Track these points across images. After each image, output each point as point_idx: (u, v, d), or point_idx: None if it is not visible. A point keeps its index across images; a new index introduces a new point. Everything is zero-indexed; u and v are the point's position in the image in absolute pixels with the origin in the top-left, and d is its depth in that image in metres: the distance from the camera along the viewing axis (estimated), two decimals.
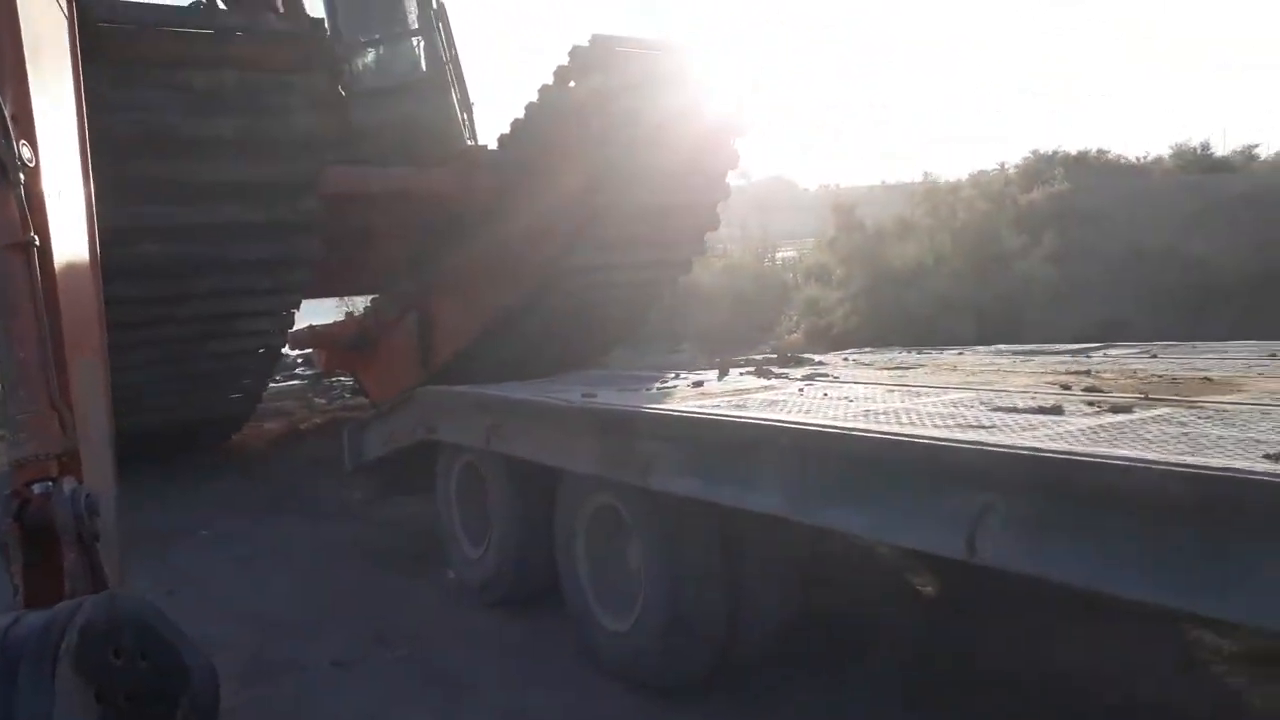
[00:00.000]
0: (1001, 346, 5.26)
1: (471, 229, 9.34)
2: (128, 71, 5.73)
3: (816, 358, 5.22)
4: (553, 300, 8.86)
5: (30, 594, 2.72)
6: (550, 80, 8.19)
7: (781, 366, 4.60)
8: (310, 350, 13.40)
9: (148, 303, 6.66)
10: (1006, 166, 13.68)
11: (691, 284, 17.14)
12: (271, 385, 14.50)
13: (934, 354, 4.97)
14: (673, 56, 8.00)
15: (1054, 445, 1.99)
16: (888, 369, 4.13)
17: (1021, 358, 4.34)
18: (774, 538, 2.81)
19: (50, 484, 2.79)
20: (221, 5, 7.53)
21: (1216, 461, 1.81)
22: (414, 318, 10.62)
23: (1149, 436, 2.06)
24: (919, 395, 2.94)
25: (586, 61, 7.68)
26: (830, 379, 3.78)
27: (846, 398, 2.97)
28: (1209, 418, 2.28)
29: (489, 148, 9.41)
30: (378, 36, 8.99)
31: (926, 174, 13.03)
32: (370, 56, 9.04)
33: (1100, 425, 2.21)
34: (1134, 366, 3.65)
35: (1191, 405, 2.50)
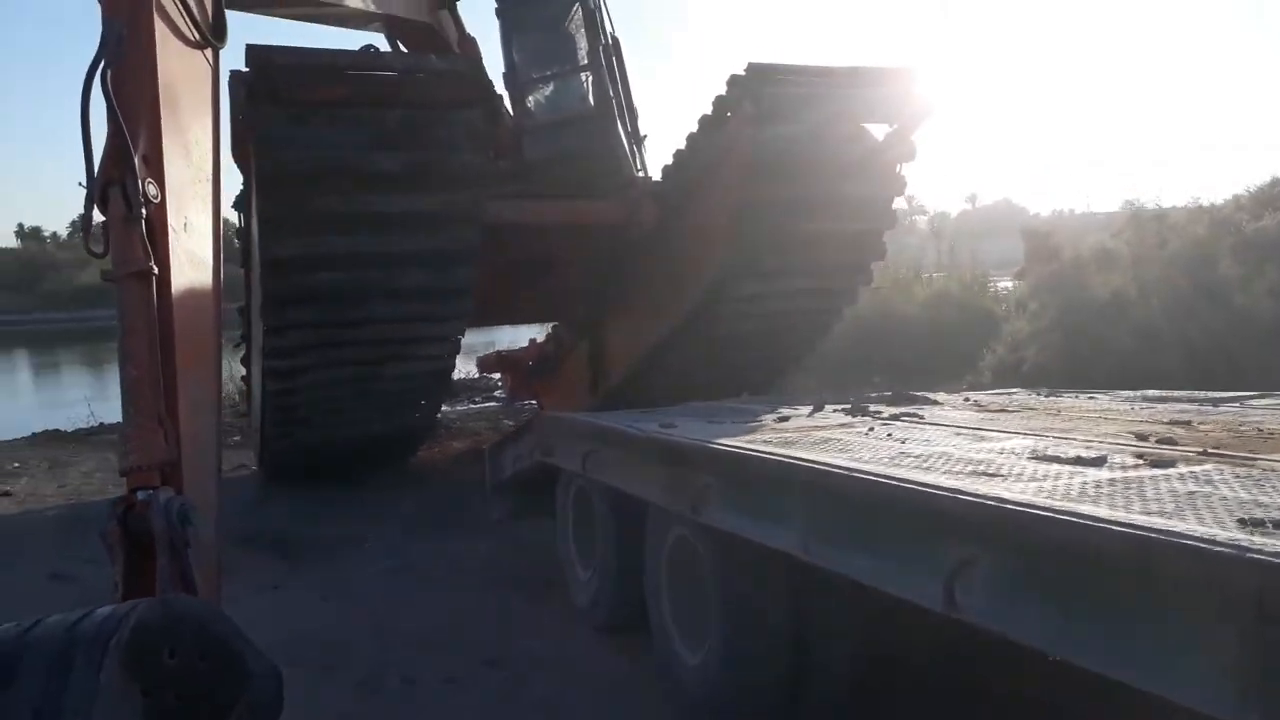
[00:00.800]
0: (1159, 392, 4.67)
1: (638, 258, 9.55)
2: (303, 112, 6.25)
3: (934, 396, 4.84)
4: (711, 328, 8.86)
5: (127, 593, 2.95)
6: (709, 110, 8.25)
7: (894, 404, 4.34)
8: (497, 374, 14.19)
9: (328, 326, 7.20)
10: (1241, 194, 12.28)
11: (892, 312, 16.72)
12: (469, 407, 15.51)
13: (1069, 398, 4.49)
14: (831, 83, 7.80)
15: (1026, 498, 1.74)
16: (987, 411, 3.78)
17: (1167, 405, 3.83)
18: (843, 580, 2.63)
19: (151, 492, 3.04)
20: (388, 48, 8.15)
21: (1176, 525, 1.57)
22: (586, 344, 11.01)
23: (1151, 494, 1.80)
24: (981, 439, 2.67)
25: (740, 90, 7.66)
26: (914, 420, 3.51)
27: (904, 439, 2.75)
28: (1244, 477, 1.94)
29: (654, 179, 9.61)
30: (550, 73, 9.35)
31: (1128, 202, 11.86)
32: (543, 92, 9.41)
33: (1119, 479, 1.92)
34: (1257, 420, 3.15)
35: (1244, 463, 2.14)
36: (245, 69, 6.13)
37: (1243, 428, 2.98)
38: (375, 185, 6.58)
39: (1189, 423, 3.19)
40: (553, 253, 9.52)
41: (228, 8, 4.80)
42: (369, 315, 7.13)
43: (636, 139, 10.66)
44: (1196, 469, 2.05)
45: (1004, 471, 2.11)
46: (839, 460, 2.32)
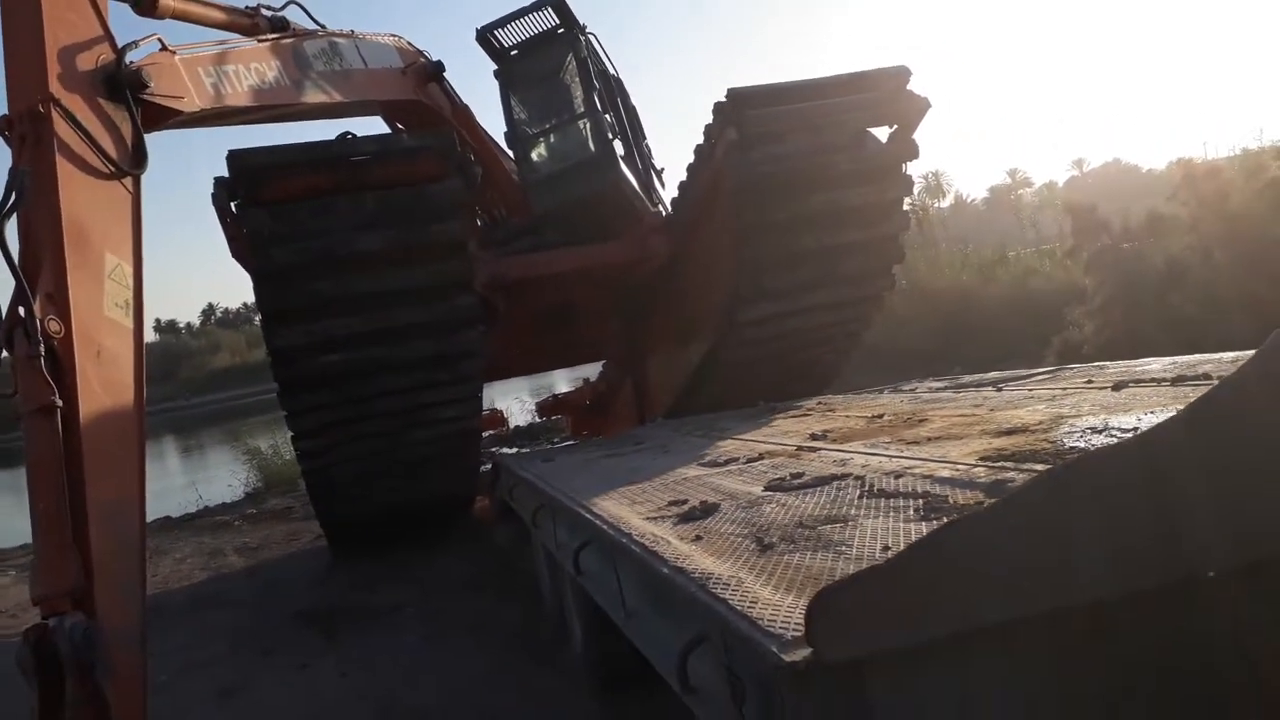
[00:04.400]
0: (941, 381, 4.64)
1: (659, 291, 9.64)
2: (285, 207, 6.57)
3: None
4: (736, 352, 8.84)
5: (43, 716, 3.16)
6: (702, 139, 8.27)
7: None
8: (558, 416, 14.45)
9: (343, 405, 7.49)
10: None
11: (974, 297, 16.23)
12: (547, 447, 15.82)
13: (870, 396, 4.44)
14: (816, 95, 7.70)
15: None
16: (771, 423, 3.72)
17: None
18: None
19: (59, 618, 3.25)
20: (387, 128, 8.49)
21: None
22: (630, 381, 11.17)
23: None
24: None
25: (723, 118, 7.66)
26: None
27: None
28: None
29: (663, 213, 9.67)
30: (548, 125, 9.53)
31: (1178, 159, 11.04)
32: (544, 145, 9.59)
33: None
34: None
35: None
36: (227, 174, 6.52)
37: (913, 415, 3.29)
38: (365, 266, 6.84)
39: (881, 416, 3.35)
40: (574, 298, 9.68)
41: (165, 128, 5.17)
42: (380, 389, 7.37)
43: (654, 173, 10.76)
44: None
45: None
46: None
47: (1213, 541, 1.37)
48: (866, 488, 2.69)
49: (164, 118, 4.89)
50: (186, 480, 19.34)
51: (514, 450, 13.92)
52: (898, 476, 2.77)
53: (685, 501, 2.97)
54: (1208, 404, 1.40)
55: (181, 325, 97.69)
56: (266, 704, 5.93)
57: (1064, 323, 10.77)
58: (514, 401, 18.93)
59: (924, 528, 2.07)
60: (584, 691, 4.93)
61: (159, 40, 4.80)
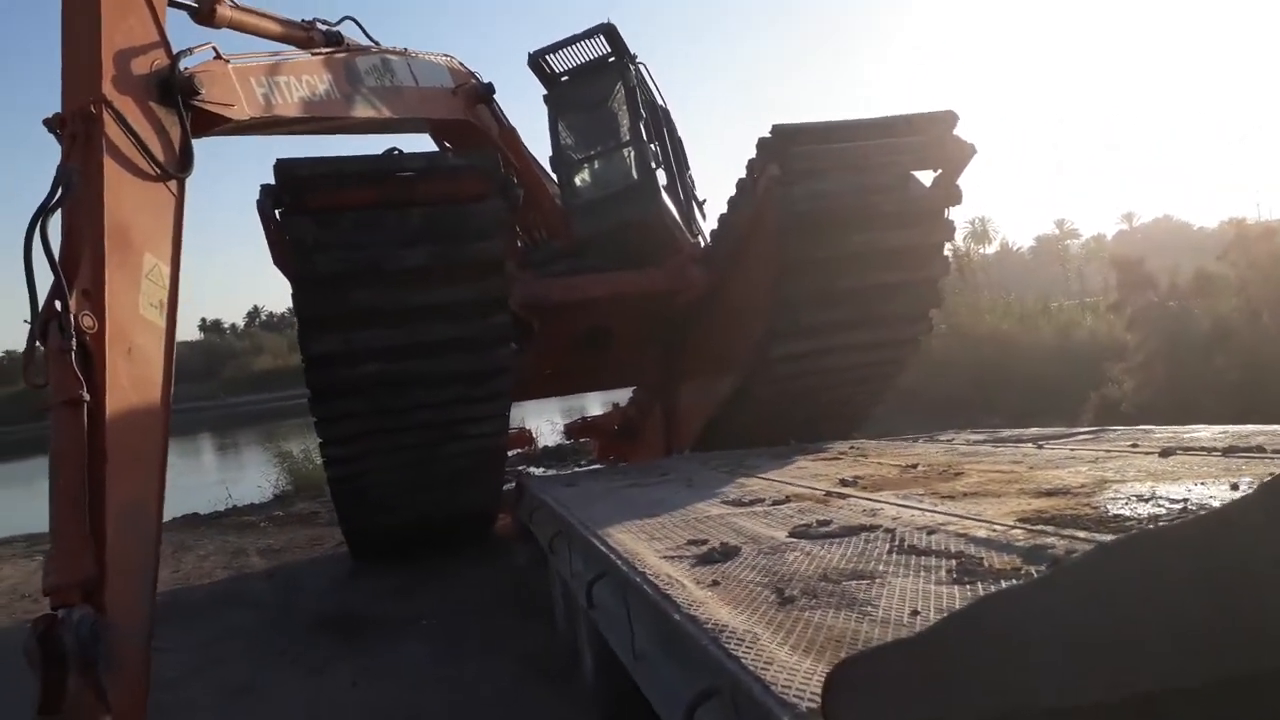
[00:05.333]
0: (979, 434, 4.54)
1: (695, 322, 9.60)
2: (329, 218, 6.62)
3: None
4: (768, 387, 8.76)
5: (42, 710, 3.15)
6: (744, 174, 8.25)
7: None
8: (586, 439, 14.42)
9: (373, 415, 7.50)
10: None
11: (1014, 346, 16.00)
12: (574, 470, 15.81)
13: (903, 444, 4.35)
14: (861, 135, 7.64)
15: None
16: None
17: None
18: None
19: (67, 610, 3.24)
20: (434, 146, 8.57)
21: None
22: (660, 408, 11.13)
23: None
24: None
25: (766, 154, 7.63)
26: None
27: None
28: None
29: (703, 244, 9.65)
30: (593, 152, 9.56)
31: (1230, 219, 10.75)
32: (588, 171, 9.63)
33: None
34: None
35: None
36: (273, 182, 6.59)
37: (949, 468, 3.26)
38: (404, 280, 6.87)
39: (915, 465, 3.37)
40: (610, 323, 9.66)
41: (214, 134, 5.23)
42: (412, 402, 7.38)
43: (695, 204, 10.75)
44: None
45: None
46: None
47: None
48: (897, 542, 2.60)
49: (214, 124, 4.95)
50: (218, 479, 19.53)
51: (541, 471, 13.91)
52: (930, 533, 2.67)
53: (705, 542, 2.89)
54: None
55: (226, 326, 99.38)
56: (274, 707, 5.92)
57: (1104, 378, 10.55)
58: (544, 422, 18.92)
59: (956, 592, 1.98)
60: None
61: (213, 49, 4.87)
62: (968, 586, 2.00)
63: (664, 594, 2.20)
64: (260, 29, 5.87)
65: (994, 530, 2.57)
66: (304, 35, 6.32)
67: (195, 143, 4.54)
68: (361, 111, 6.49)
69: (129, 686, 3.37)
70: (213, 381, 75.46)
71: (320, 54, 6.28)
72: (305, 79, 5.82)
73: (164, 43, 4.42)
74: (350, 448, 7.68)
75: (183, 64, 4.45)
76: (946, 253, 8.52)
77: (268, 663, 6.68)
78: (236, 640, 7.30)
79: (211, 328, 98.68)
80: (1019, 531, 2.50)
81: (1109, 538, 1.98)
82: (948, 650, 1.23)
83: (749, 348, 8.61)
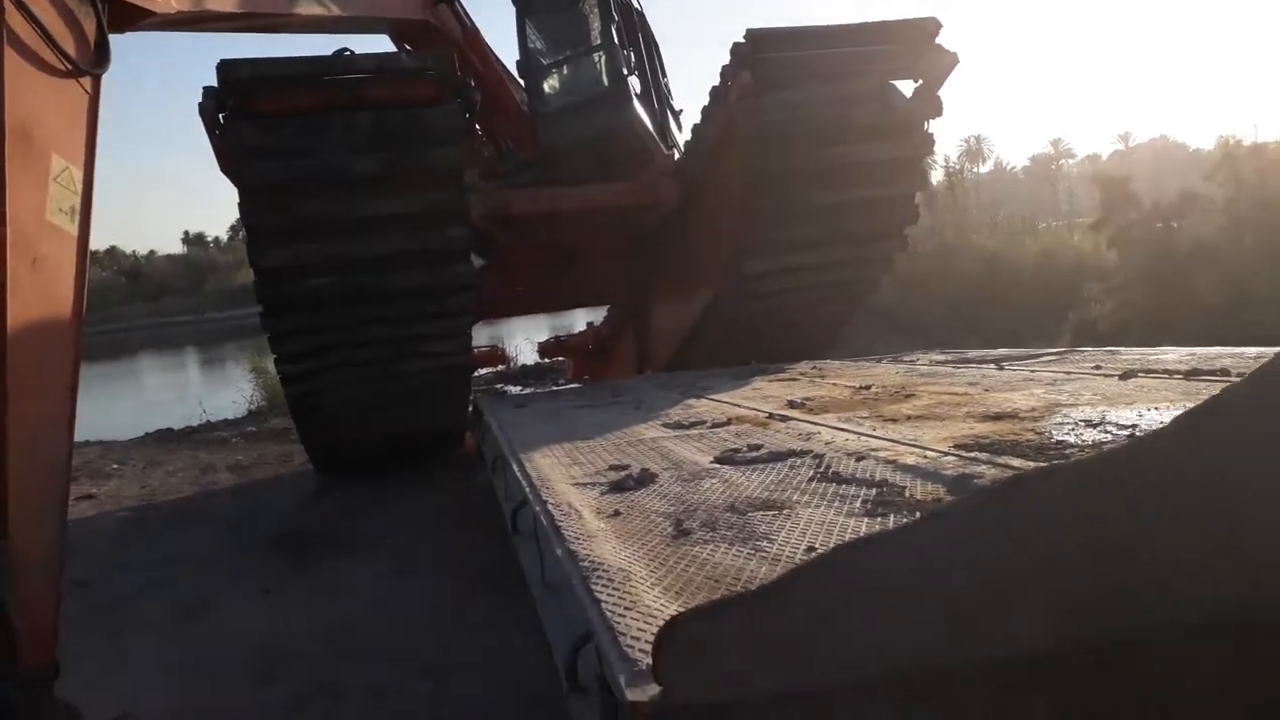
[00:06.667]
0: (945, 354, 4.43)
1: (667, 238, 9.32)
2: (275, 122, 6.27)
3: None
4: (740, 305, 8.54)
5: None
6: (718, 82, 7.86)
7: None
8: (561, 359, 14.25)
9: (331, 329, 7.27)
10: None
11: (999, 266, 15.79)
12: (552, 389, 15.71)
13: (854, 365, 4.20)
14: (838, 42, 7.27)
15: None
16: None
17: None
18: None
19: None
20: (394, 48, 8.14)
21: None
22: (632, 328, 10.93)
23: None
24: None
25: (739, 60, 7.25)
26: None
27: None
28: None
29: (676, 156, 9.30)
30: (562, 57, 9.13)
31: (1223, 137, 10.44)
32: (556, 77, 9.20)
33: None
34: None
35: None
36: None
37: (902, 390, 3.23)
38: (355, 189, 6.56)
39: (868, 387, 3.33)
40: (577, 239, 9.38)
41: (139, 29, 4.86)
42: (366, 318, 7.14)
43: (671, 113, 10.35)
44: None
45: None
46: None
47: (1196, 589, 1.08)
48: (822, 469, 2.42)
49: (136, 18, 4.56)
50: (194, 393, 19.39)
51: (518, 390, 13.76)
52: (860, 459, 2.50)
53: (626, 468, 2.72)
54: (1208, 415, 1.09)
55: (210, 239, 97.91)
56: (224, 626, 5.85)
57: (1084, 299, 10.35)
58: (525, 340, 18.73)
59: (864, 526, 1.80)
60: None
61: None
62: (879, 520, 1.82)
63: (555, 525, 2.02)
64: None
65: (925, 457, 2.39)
66: None
67: (125, 38, 4.20)
68: (307, 9, 6.08)
69: (35, 617, 3.20)
70: (196, 295, 74.74)
71: None
72: None
73: None
74: (305, 364, 7.47)
75: None
76: (933, 168, 8.21)
77: (221, 582, 6.60)
78: (193, 559, 7.23)
79: (195, 240, 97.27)
80: (952, 458, 2.32)
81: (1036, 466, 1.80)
82: (797, 606, 1.05)
83: (720, 265, 8.36)
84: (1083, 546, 0.97)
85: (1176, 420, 0.97)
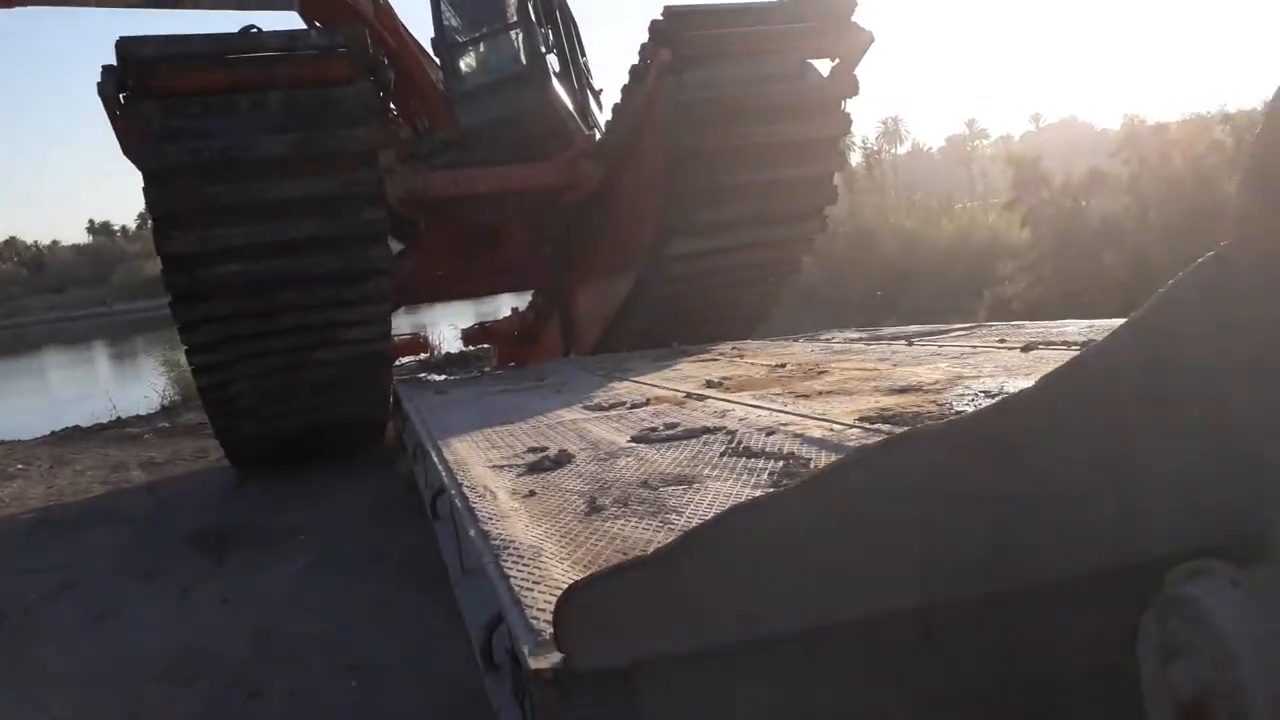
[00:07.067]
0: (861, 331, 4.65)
1: (588, 220, 9.28)
2: (178, 103, 6.06)
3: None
4: (662, 287, 8.57)
5: None
6: (637, 60, 7.84)
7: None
8: (485, 345, 14.10)
9: (244, 318, 7.06)
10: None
11: (917, 245, 16.14)
12: (476, 375, 15.55)
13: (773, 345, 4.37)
14: (756, 21, 7.32)
15: None
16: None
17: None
18: None
19: None
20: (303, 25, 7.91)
21: None
22: (558, 312, 10.88)
23: None
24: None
25: (658, 37, 7.25)
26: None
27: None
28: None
29: (596, 136, 9.26)
30: (478, 34, 9.00)
31: (1128, 116, 10.86)
32: (473, 55, 9.07)
33: None
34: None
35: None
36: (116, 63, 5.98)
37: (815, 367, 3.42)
38: (265, 171, 6.38)
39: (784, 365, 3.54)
40: (499, 222, 9.28)
41: (20, 5, 4.64)
42: (281, 304, 6.97)
43: (591, 93, 10.29)
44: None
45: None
46: None
47: (1057, 544, 1.14)
48: (734, 444, 2.46)
49: None
50: (103, 390, 18.68)
51: (442, 378, 13.59)
52: (770, 434, 2.54)
53: (544, 450, 2.71)
54: (1065, 377, 1.16)
55: (117, 228, 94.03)
56: (140, 630, 5.66)
57: (998, 277, 10.69)
58: (448, 327, 18.49)
59: None
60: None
61: None
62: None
63: (470, 507, 2.01)
64: None
65: (832, 430, 2.45)
66: None
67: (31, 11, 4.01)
68: None
69: None
70: (104, 286, 71.85)
71: None
72: None
73: None
74: (217, 354, 7.25)
75: None
76: (853, 148, 8.35)
77: (136, 584, 6.38)
78: (105, 560, 6.97)
79: (101, 229, 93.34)
80: (856, 431, 2.38)
81: None
82: (691, 568, 1.07)
83: (642, 246, 8.37)
84: (949, 505, 1.01)
85: (1021, 391, 1.04)
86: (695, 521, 1.71)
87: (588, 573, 1.38)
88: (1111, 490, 1.11)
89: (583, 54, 10.19)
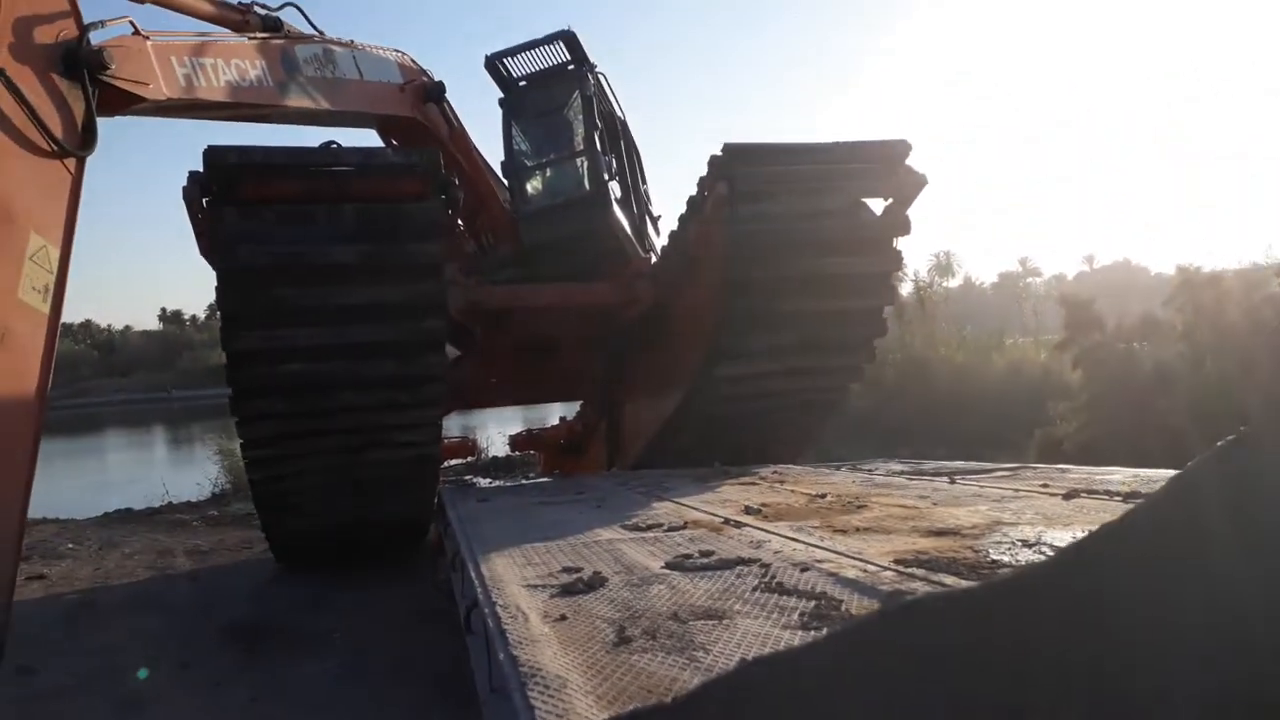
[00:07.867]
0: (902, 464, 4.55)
1: (642, 339, 9.47)
2: (256, 209, 6.41)
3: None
4: (710, 408, 8.64)
5: None
6: (695, 192, 8.15)
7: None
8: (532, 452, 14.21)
9: (301, 416, 7.26)
10: None
11: (967, 379, 16.07)
12: (521, 483, 15.59)
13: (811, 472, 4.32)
14: (813, 160, 7.59)
15: None
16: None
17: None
18: None
19: None
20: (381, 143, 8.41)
21: None
22: (605, 423, 10.97)
23: None
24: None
25: (716, 172, 7.54)
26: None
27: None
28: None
29: (652, 259, 9.55)
30: (545, 160, 9.44)
31: (1181, 267, 10.89)
32: (539, 178, 9.49)
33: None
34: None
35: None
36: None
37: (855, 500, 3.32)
38: (333, 278, 6.67)
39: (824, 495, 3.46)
40: (555, 335, 9.51)
41: (130, 113, 5.02)
42: (335, 405, 7.15)
43: (649, 218, 10.65)
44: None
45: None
46: None
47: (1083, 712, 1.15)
48: (767, 579, 2.48)
49: (126, 103, 4.75)
50: (158, 473, 19.09)
51: (486, 482, 13.69)
52: (804, 569, 2.55)
53: (579, 570, 2.75)
54: (1085, 550, 1.19)
55: (187, 317, 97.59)
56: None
57: (1049, 416, 10.58)
58: (496, 432, 18.67)
59: (798, 639, 1.85)
60: None
61: (130, 23, 4.68)
62: (813, 632, 1.88)
63: (501, 629, 2.05)
64: (190, 8, 5.67)
65: (866, 571, 2.46)
66: (239, 18, 6.11)
67: (107, 122, 4.36)
68: (296, 101, 6.30)
69: None
70: (168, 372, 74.02)
71: (256, 38, 6.09)
72: (235, 63, 5.63)
73: (75, 12, 4.24)
74: (271, 450, 7.44)
75: (93, 37, 4.27)
76: (902, 283, 8.48)
77: (169, 674, 6.40)
78: (142, 648, 7.02)
79: (171, 318, 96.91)
80: (890, 574, 2.39)
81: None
82: (708, 717, 1.10)
83: (692, 367, 8.50)
84: (963, 674, 1.03)
85: (1051, 558, 1.07)
86: (721, 661, 1.73)
87: (609, 712, 1.41)
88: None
89: (644, 181, 10.59)
